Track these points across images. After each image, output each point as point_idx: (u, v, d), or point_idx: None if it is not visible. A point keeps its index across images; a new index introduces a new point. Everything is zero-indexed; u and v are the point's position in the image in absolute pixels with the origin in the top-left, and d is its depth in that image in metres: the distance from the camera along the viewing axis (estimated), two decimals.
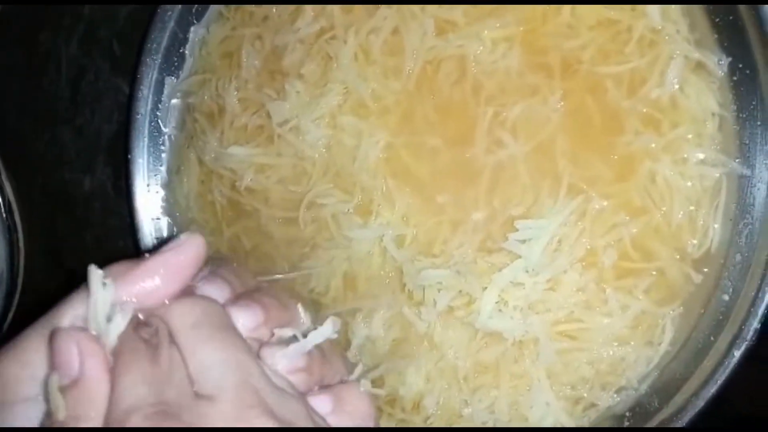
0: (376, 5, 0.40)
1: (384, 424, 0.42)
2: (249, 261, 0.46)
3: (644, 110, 0.36)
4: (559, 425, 0.37)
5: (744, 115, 0.36)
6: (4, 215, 0.55)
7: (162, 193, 0.50)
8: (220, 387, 0.23)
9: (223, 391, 0.23)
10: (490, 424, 0.38)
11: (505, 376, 0.38)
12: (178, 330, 0.24)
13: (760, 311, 0.33)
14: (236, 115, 0.46)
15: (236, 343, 0.24)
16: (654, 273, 0.36)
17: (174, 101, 0.50)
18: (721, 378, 0.33)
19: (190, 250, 0.26)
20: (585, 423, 0.37)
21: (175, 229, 0.50)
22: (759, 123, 0.35)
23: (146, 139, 0.50)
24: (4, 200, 0.55)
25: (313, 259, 0.44)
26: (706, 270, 0.36)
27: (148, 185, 0.50)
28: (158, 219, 0.50)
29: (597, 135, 0.37)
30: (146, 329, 0.24)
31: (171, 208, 0.50)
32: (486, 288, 0.38)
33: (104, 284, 0.24)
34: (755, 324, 0.33)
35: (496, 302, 0.38)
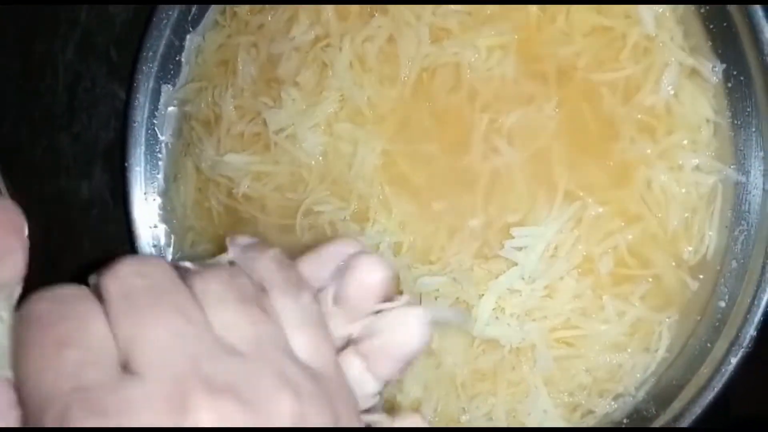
0: (371, 14, 0.41)
1: None
2: None
3: (639, 117, 0.36)
4: None
5: (739, 122, 0.36)
6: None
7: (159, 200, 0.50)
8: (150, 361, 0.19)
9: (152, 366, 0.19)
10: None
11: (502, 384, 0.38)
12: (110, 300, 0.21)
13: (756, 318, 0.33)
14: (233, 123, 0.46)
15: (179, 308, 0.20)
16: (650, 280, 0.37)
17: (170, 109, 0.50)
18: (718, 385, 0.33)
19: None
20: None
21: (172, 237, 0.50)
22: (754, 129, 0.35)
23: (143, 147, 0.50)
24: None
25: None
26: (702, 277, 0.36)
27: (145, 193, 0.50)
28: (155, 227, 0.50)
29: (593, 142, 0.37)
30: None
31: (168, 215, 0.50)
32: (483, 295, 0.38)
33: None
34: (752, 331, 0.33)
35: (493, 309, 0.38)
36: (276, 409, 0.20)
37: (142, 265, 0.22)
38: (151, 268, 0.22)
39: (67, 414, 0.18)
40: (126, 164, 0.50)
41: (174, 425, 0.18)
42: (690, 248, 0.36)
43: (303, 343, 0.22)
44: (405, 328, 0.24)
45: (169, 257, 0.50)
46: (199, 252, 0.48)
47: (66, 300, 0.21)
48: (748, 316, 0.33)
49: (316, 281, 0.25)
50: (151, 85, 0.49)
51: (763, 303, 0.33)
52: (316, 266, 0.26)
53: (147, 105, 0.50)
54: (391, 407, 0.42)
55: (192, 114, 0.48)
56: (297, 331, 0.22)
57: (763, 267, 0.33)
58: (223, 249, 0.49)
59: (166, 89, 0.49)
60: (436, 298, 0.40)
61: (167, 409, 0.19)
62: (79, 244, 0.58)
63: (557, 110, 0.38)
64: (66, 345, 0.20)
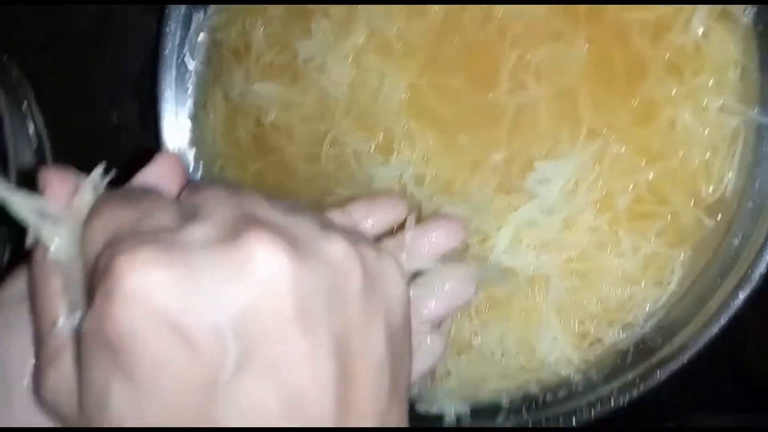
0: None
1: None
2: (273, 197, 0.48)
3: (668, 57, 0.37)
4: (565, 358, 0.39)
5: (766, 65, 0.36)
6: (34, 148, 0.56)
7: (189, 125, 0.51)
8: (210, 211, 0.20)
9: (210, 213, 0.20)
10: (497, 355, 0.40)
11: (515, 310, 0.40)
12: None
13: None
14: (262, 52, 0.47)
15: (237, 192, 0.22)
16: (667, 216, 0.38)
17: (201, 37, 0.50)
18: (724, 319, 0.35)
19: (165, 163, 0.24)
20: (590, 357, 0.39)
21: (201, 162, 0.51)
22: None
23: (174, 73, 0.51)
24: (37, 134, 0.56)
25: (335, 195, 0.45)
26: (719, 216, 0.37)
27: (176, 116, 0.51)
28: (184, 150, 0.51)
29: (619, 81, 0.38)
30: None
31: (197, 140, 0.51)
32: (501, 227, 0.40)
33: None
34: (762, 268, 0.34)
35: (511, 240, 0.39)
36: (326, 254, 0.20)
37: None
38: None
39: (121, 244, 0.18)
40: (156, 89, 0.51)
41: (226, 255, 0.19)
42: (709, 188, 0.37)
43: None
44: (457, 283, 0.28)
45: None
46: (227, 177, 0.50)
47: (137, 189, 0.23)
48: (760, 253, 0.34)
49: (367, 224, 0.28)
50: (182, 11, 0.49)
51: None
52: (367, 211, 0.28)
53: (178, 32, 0.50)
54: None
55: (222, 42, 0.49)
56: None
57: None
58: (249, 180, 0.50)
59: (197, 17, 0.49)
60: None
61: (222, 238, 0.19)
62: (110, 169, 0.60)
63: (586, 48, 0.38)
64: (135, 205, 0.21)
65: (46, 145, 0.58)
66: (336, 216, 0.27)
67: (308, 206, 0.23)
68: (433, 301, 0.28)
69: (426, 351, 0.27)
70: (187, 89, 0.51)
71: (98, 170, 0.23)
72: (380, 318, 0.21)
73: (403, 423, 0.23)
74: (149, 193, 0.22)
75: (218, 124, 0.50)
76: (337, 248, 0.21)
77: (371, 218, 0.28)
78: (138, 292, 0.18)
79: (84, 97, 0.58)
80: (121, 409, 0.18)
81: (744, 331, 0.54)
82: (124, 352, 0.18)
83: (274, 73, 0.47)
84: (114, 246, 0.19)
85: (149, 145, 0.54)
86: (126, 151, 0.59)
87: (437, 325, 0.28)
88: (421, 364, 0.27)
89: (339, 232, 0.21)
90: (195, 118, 0.51)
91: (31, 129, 0.57)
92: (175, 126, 0.51)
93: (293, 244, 0.20)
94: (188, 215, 0.21)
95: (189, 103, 0.51)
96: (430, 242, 0.28)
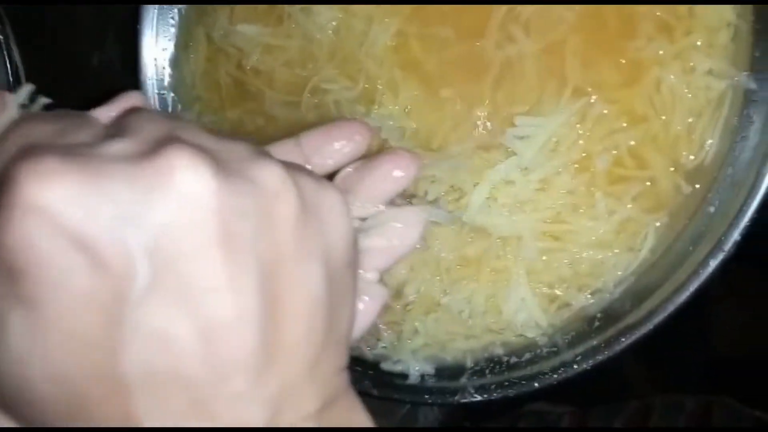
0: None
1: None
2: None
3: (659, 14, 0.35)
4: (532, 321, 0.39)
5: (759, 27, 0.35)
6: (11, 82, 0.55)
7: (168, 69, 0.50)
8: (136, 128, 0.19)
9: (136, 131, 0.19)
10: (465, 314, 0.40)
11: (485, 270, 0.39)
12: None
13: (742, 224, 0.33)
14: None
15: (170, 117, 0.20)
16: (645, 182, 0.37)
17: None
18: (693, 286, 0.34)
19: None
20: (557, 321, 0.39)
21: (179, 106, 0.50)
22: None
23: (156, 11, 0.49)
24: (12, 69, 0.55)
25: None
26: (697, 184, 0.36)
27: (155, 59, 0.50)
28: (163, 93, 0.50)
29: (609, 38, 0.37)
30: None
31: (177, 84, 0.50)
32: (478, 184, 0.39)
33: None
34: (735, 236, 0.33)
35: (486, 198, 0.38)
36: (257, 177, 0.18)
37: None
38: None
39: (28, 154, 0.17)
40: (138, 26, 0.49)
41: (143, 169, 0.17)
42: (690, 154, 0.36)
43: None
44: (402, 225, 0.26)
45: None
46: (204, 123, 0.48)
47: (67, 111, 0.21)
48: (734, 221, 0.33)
49: (321, 157, 0.26)
50: None
51: (751, 209, 0.33)
52: (322, 140, 0.26)
53: None
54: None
55: None
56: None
57: (757, 174, 0.33)
58: (227, 126, 0.49)
59: None
60: (432, 182, 0.40)
61: (140, 153, 0.18)
62: (89, 109, 0.59)
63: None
64: (56, 121, 0.20)
65: (24, 83, 0.56)
66: (285, 147, 0.26)
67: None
68: (377, 247, 0.25)
69: (367, 302, 0.25)
70: (170, 28, 0.50)
71: (27, 88, 0.22)
72: (317, 253, 0.19)
73: (340, 373, 0.21)
74: (77, 114, 0.21)
75: (199, 65, 0.48)
76: (269, 172, 0.19)
77: (328, 149, 0.26)
78: (39, 202, 0.16)
79: (65, 38, 0.56)
80: (20, 345, 0.17)
81: (712, 312, 0.54)
82: (21, 273, 0.16)
83: (259, 15, 0.45)
84: (20, 156, 0.17)
85: (130, 88, 0.53)
86: (106, 94, 0.58)
87: (379, 275, 0.26)
88: (361, 316, 0.24)
89: (274, 159, 0.19)
90: (176, 59, 0.49)
91: (9, 68, 0.55)
92: (155, 68, 0.49)
93: (220, 164, 0.18)
94: (113, 134, 0.19)
95: (171, 45, 0.50)
96: (377, 181, 0.26)
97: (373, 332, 0.43)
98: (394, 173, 0.26)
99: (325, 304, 0.19)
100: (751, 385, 0.48)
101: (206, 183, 0.17)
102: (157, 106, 0.50)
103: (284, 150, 0.26)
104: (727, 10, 0.35)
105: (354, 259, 0.22)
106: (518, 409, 0.51)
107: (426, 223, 0.27)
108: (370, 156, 0.27)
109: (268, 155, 0.20)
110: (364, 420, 0.21)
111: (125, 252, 0.17)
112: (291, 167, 0.20)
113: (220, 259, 0.17)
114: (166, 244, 0.17)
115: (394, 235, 0.26)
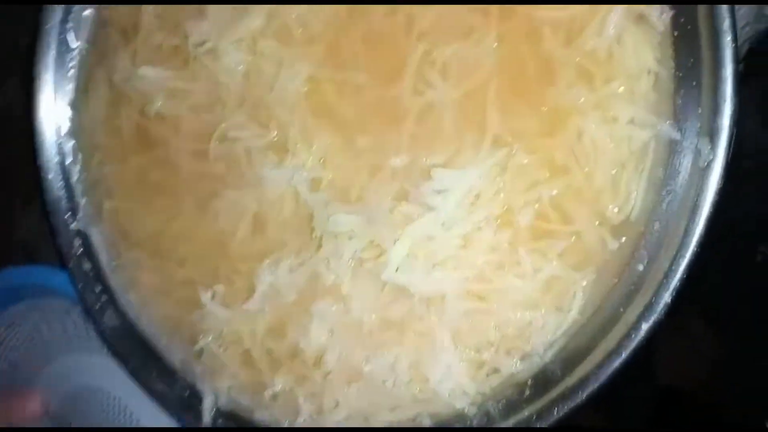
0: None
1: (283, 377, 0.39)
2: (153, 198, 0.43)
3: (579, 60, 0.34)
4: (460, 389, 0.35)
5: (681, 74, 0.33)
6: None
7: (69, 113, 0.45)
8: None
9: None
10: (389, 383, 0.36)
11: (409, 334, 0.36)
12: None
13: (673, 284, 0.31)
14: (151, 32, 0.42)
15: None
16: (571, 237, 0.34)
17: (86, 12, 0.45)
18: (626, 351, 0.32)
19: None
20: (486, 389, 0.36)
21: (80, 155, 0.46)
22: (695, 83, 0.33)
23: (54, 53, 0.45)
24: None
25: (222, 198, 0.41)
26: (624, 238, 0.34)
27: (54, 102, 0.45)
28: (62, 142, 0.46)
29: (529, 84, 0.34)
30: None
31: (77, 130, 0.45)
32: (398, 240, 0.36)
33: None
34: (666, 297, 0.31)
35: (407, 255, 0.35)
36: None
37: None
38: None
39: None
40: (34, 71, 0.45)
41: None
42: (615, 207, 0.34)
43: None
44: None
45: (75, 176, 0.45)
46: (104, 173, 0.44)
47: None
48: (664, 281, 0.31)
49: None
50: None
51: (681, 269, 0.31)
52: None
53: (62, 7, 0.45)
54: (293, 353, 0.40)
55: (109, 19, 0.44)
56: None
57: (686, 230, 0.32)
58: (129, 177, 0.45)
59: None
60: (350, 239, 0.37)
61: None
62: None
63: (496, 46, 0.35)
64: None
65: None
66: None
67: None
68: None
69: None
70: (69, 71, 0.45)
71: None
72: None
73: None
74: None
75: (99, 110, 0.44)
76: None
77: None
78: None
79: None
80: None
81: (655, 349, 0.52)
82: None
83: (163, 57, 0.42)
84: None
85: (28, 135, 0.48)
86: (8, 140, 0.53)
87: None
88: None
89: None
90: (75, 104, 0.45)
91: None
92: (53, 114, 0.45)
93: None
94: None
95: (70, 88, 0.46)
96: None
97: (291, 404, 0.39)
98: None
99: None
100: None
101: None
102: (56, 157, 0.45)
103: None
104: (647, 55, 0.33)
105: None
106: None
107: None
108: None
109: None
110: None
111: None
112: None
113: None
114: None
115: None
